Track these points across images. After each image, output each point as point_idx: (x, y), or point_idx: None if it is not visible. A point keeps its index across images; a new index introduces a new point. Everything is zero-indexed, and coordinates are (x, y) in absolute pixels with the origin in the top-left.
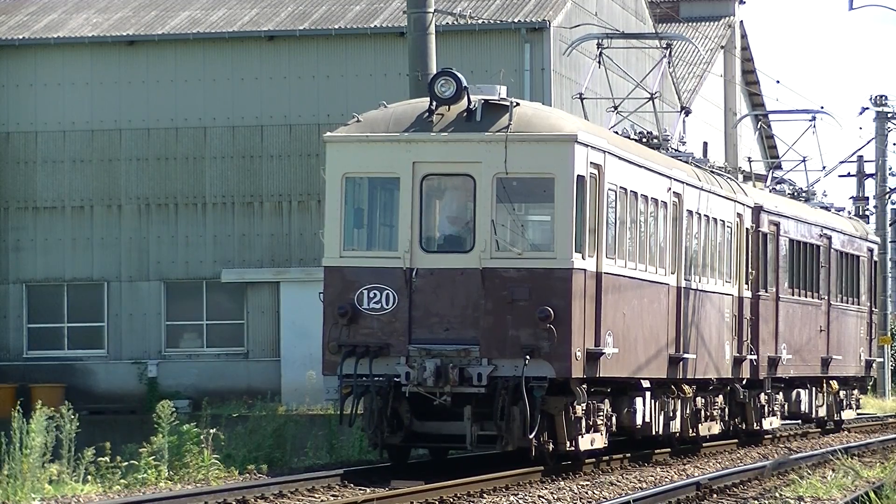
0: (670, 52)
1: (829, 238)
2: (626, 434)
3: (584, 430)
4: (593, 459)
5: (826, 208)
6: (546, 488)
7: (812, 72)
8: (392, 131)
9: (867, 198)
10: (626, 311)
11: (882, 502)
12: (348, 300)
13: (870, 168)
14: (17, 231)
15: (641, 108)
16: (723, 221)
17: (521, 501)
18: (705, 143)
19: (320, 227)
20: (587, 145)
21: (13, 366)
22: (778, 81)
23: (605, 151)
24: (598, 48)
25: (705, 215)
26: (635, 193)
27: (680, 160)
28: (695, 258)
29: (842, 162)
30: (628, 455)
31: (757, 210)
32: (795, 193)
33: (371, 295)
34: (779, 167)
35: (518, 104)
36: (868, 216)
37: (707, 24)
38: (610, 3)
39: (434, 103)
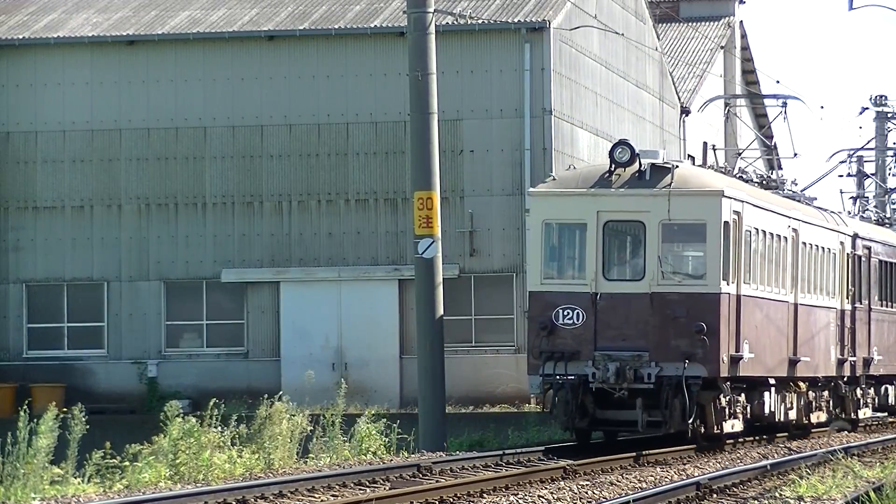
0: (786, 110)
1: None
2: (756, 421)
3: (727, 417)
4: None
5: None
6: (546, 488)
7: (812, 72)
8: (580, 187)
9: (867, 198)
10: (758, 324)
11: (882, 502)
12: (547, 317)
13: (870, 168)
14: (17, 231)
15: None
16: (828, 249)
17: (521, 501)
18: (705, 144)
19: (525, 254)
20: (731, 198)
21: (13, 366)
22: (778, 81)
23: (743, 201)
24: (725, 107)
25: (816, 245)
26: (765, 232)
27: (795, 200)
28: (808, 279)
29: (841, 162)
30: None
31: (853, 237)
32: (881, 220)
33: (565, 313)
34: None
35: (677, 166)
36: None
37: (707, 24)
38: (610, 4)
39: (613, 166)
